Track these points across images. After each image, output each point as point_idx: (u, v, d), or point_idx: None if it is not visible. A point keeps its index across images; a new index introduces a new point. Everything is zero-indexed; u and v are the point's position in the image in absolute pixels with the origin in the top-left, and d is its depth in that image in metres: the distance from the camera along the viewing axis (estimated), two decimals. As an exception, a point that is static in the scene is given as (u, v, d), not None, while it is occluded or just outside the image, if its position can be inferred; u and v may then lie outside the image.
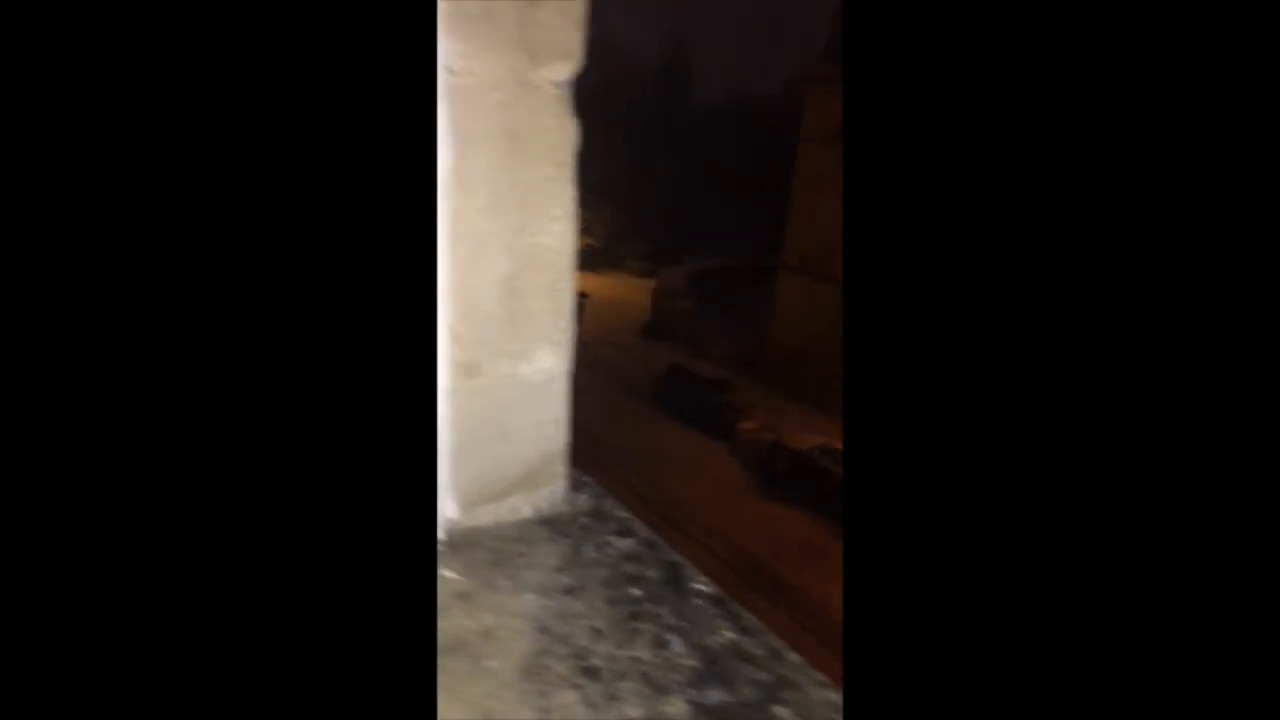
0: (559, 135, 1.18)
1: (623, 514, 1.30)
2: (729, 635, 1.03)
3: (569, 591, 1.12)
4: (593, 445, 15.10)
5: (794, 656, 0.99)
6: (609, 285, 35.41)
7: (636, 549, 1.21)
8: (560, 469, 1.36)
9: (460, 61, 1.02)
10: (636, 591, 1.10)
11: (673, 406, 17.69)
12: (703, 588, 1.12)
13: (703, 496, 14.19)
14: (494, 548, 1.19)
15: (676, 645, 1.01)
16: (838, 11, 20.75)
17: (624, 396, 18.79)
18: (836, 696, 0.93)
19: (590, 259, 39.66)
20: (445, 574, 1.09)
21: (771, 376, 20.12)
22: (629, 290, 33.76)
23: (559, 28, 1.11)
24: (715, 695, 0.92)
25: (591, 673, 0.95)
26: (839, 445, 14.45)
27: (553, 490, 1.35)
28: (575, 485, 1.37)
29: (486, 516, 1.26)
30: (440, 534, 1.19)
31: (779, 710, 0.90)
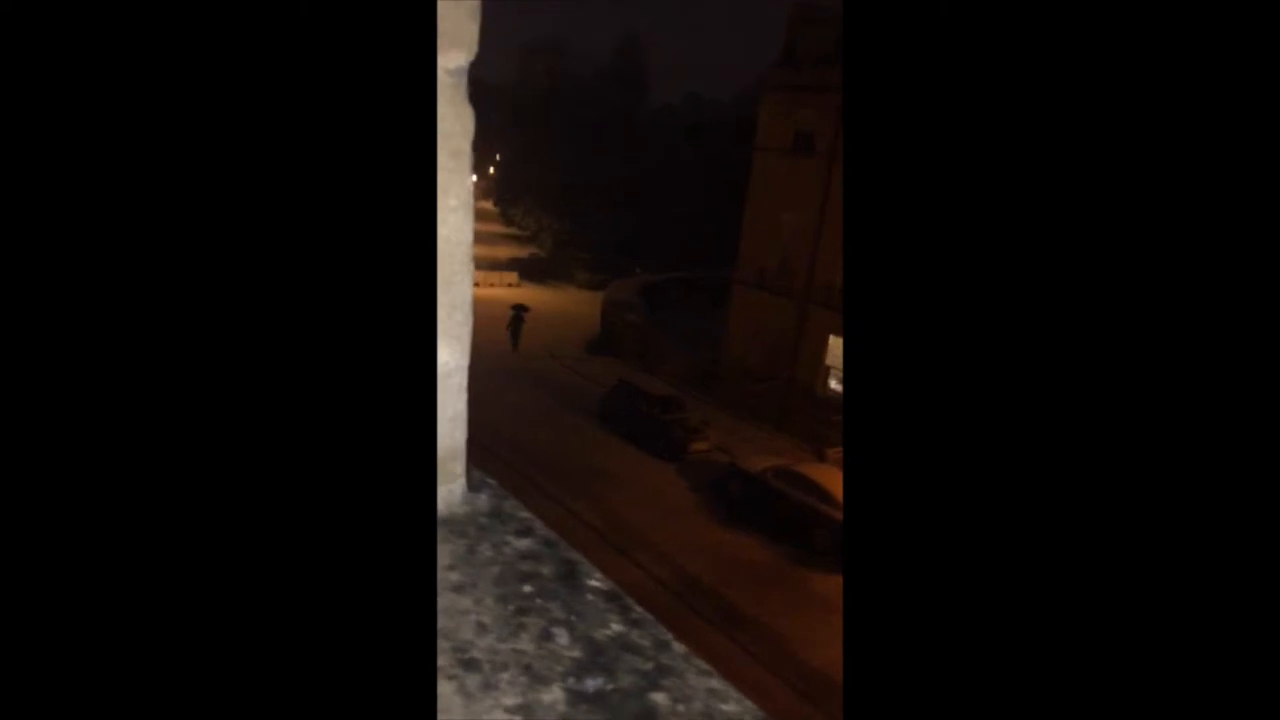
0: (454, 124, 1.18)
1: (524, 514, 1.32)
2: (617, 628, 1.07)
3: (458, 589, 1.13)
4: (531, 463, 15.02)
5: (679, 646, 1.05)
6: (555, 297, 35.26)
7: (534, 548, 1.23)
8: (459, 468, 1.33)
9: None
10: (528, 588, 1.13)
11: (620, 425, 17.64)
12: (597, 584, 1.15)
13: (650, 520, 14.16)
14: (383, 546, 1.23)
15: (562, 638, 1.04)
16: (793, 18, 21.25)
17: (568, 413, 18.69)
18: (717, 683, 0.98)
19: (535, 270, 39.43)
20: None
21: (725, 394, 20.29)
22: (576, 302, 33.66)
23: (452, 17, 1.14)
24: (594, 683, 0.96)
25: (471, 665, 0.97)
26: (794, 467, 14.64)
27: (450, 490, 1.32)
28: (475, 485, 1.39)
29: (379, 515, 1.28)
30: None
31: (656, 696, 0.95)
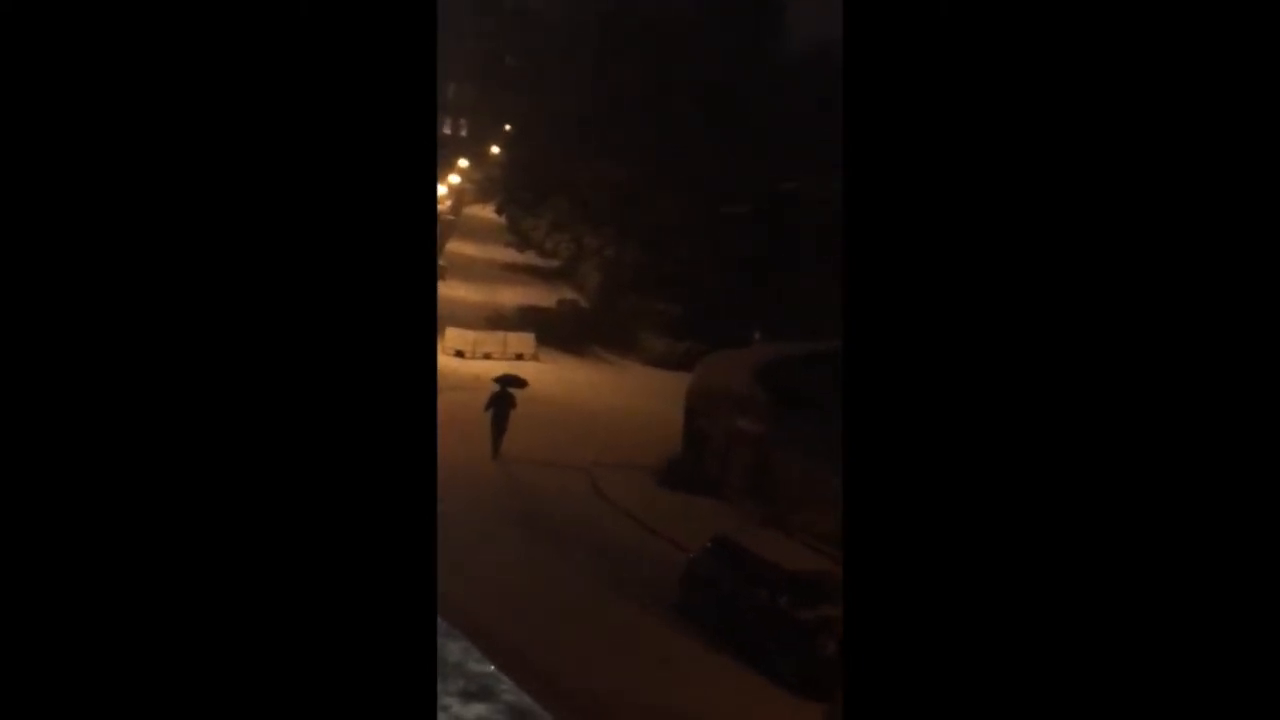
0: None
1: (479, 667, 3.61)
2: None
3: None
4: (546, 689, 14.60)
5: None
6: (604, 380, 35.24)
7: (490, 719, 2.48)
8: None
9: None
10: None
11: (719, 625, 17.25)
12: None
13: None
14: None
15: None
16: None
17: (619, 599, 18.49)
18: None
19: (570, 329, 39.45)
20: None
21: (916, 573, 19.50)
22: (642, 391, 33.62)
23: None
24: None
25: None
26: None
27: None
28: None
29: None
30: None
31: None
